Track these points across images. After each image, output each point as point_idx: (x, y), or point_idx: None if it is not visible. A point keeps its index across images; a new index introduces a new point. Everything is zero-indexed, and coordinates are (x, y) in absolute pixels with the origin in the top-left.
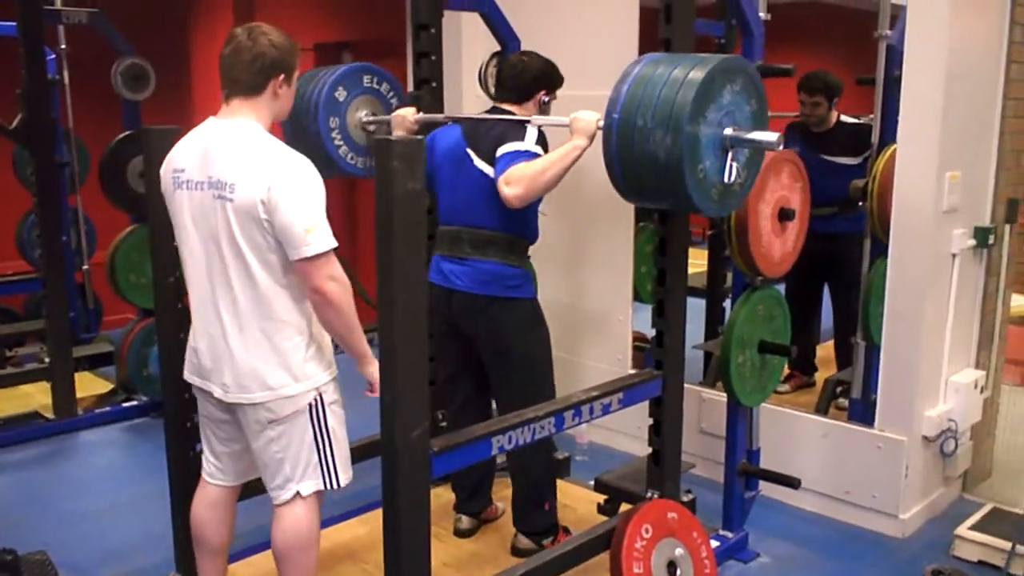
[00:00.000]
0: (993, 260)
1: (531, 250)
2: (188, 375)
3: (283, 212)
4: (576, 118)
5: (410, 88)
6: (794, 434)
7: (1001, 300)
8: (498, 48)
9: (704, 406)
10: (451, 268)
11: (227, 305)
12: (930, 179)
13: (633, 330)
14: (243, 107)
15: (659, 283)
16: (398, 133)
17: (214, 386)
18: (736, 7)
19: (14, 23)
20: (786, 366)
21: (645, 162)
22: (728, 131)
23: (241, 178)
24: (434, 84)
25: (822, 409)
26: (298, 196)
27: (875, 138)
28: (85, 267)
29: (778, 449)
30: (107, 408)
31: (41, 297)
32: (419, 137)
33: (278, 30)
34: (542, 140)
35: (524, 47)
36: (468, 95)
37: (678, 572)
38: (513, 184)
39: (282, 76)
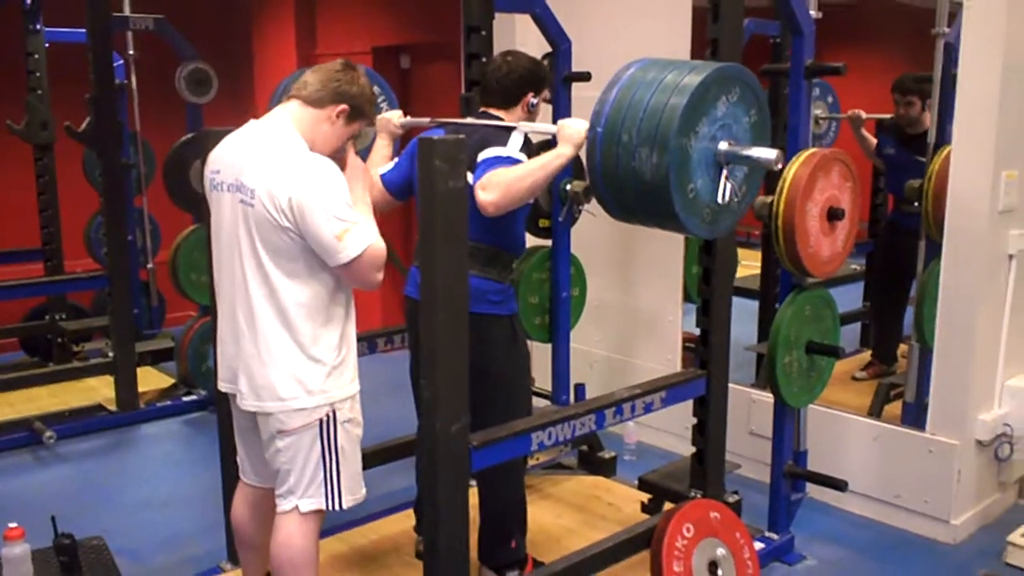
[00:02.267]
0: None
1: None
2: (220, 383)
3: (310, 223)
4: (564, 125)
5: (463, 90)
6: (844, 437)
7: None
8: (549, 50)
9: (754, 407)
10: None
11: (245, 312)
12: (986, 178)
13: (684, 331)
14: (295, 110)
15: (704, 282)
16: (382, 136)
17: (234, 391)
18: (785, 5)
19: (84, 29)
20: (869, 354)
21: (630, 181)
22: (723, 146)
23: (262, 185)
24: None
25: (875, 412)
26: (322, 204)
27: (932, 138)
28: (150, 266)
29: (828, 452)
30: (168, 402)
31: (107, 294)
32: (460, 136)
33: (370, 81)
34: (527, 147)
35: (575, 48)
36: None
37: (719, 572)
38: (489, 190)
39: (345, 108)
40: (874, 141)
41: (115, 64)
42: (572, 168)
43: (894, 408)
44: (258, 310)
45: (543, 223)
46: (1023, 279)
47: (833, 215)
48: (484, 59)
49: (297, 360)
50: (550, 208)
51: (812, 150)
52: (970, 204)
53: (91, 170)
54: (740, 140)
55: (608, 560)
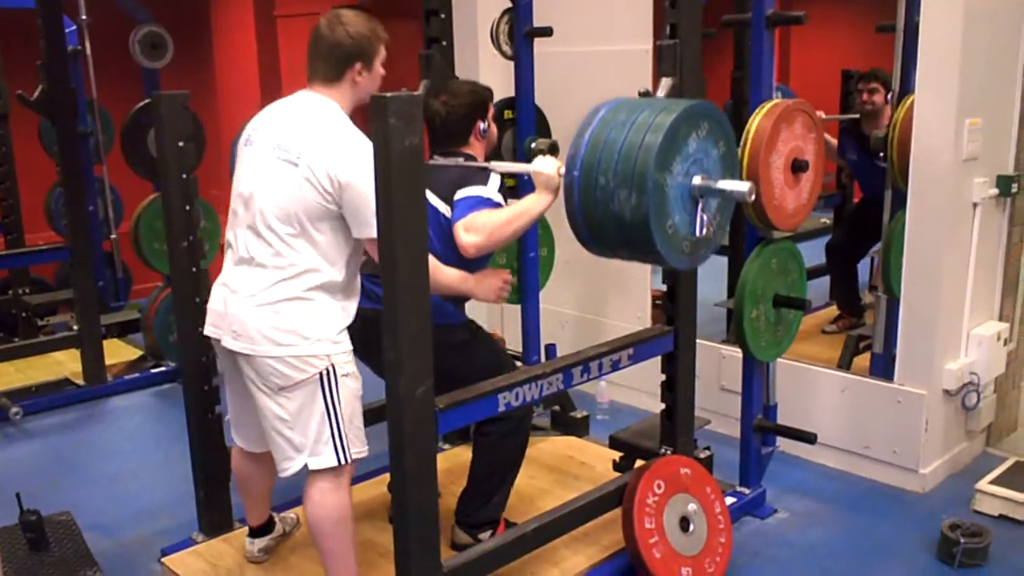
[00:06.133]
0: (1017, 209)
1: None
2: (207, 327)
3: (354, 192)
4: (537, 172)
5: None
6: (813, 390)
7: None
8: (510, 5)
9: (724, 363)
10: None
11: (259, 256)
12: (948, 126)
13: (653, 288)
14: (323, 91)
15: None
16: None
17: (224, 334)
18: None
19: None
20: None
21: (610, 222)
22: (696, 180)
23: (310, 150)
24: (444, 43)
25: (845, 364)
26: (368, 181)
27: (896, 86)
28: (112, 236)
29: (798, 405)
30: (136, 374)
31: (69, 267)
32: (417, 93)
33: (360, 18)
34: (503, 187)
35: (536, 3)
36: (484, 53)
37: (691, 527)
38: (473, 232)
39: (359, 64)
40: (835, 143)
41: (68, 30)
42: (536, 126)
43: (864, 360)
44: (272, 257)
45: (509, 182)
46: (987, 227)
47: (797, 167)
48: (443, 15)
49: (299, 310)
50: None
51: (776, 101)
52: (934, 152)
53: (48, 140)
54: (711, 172)
55: (580, 519)
